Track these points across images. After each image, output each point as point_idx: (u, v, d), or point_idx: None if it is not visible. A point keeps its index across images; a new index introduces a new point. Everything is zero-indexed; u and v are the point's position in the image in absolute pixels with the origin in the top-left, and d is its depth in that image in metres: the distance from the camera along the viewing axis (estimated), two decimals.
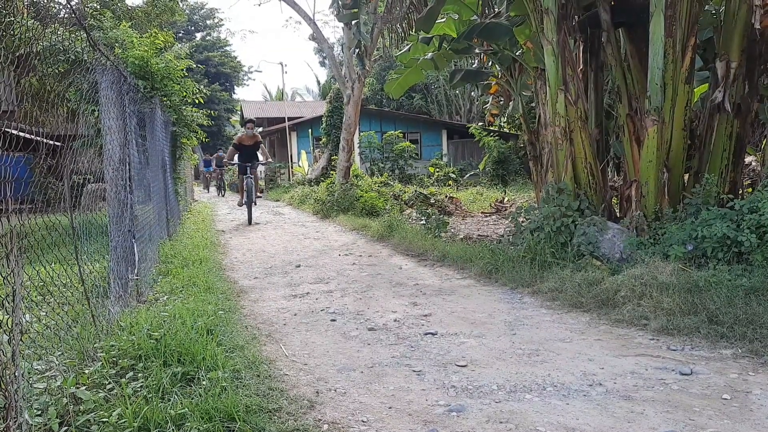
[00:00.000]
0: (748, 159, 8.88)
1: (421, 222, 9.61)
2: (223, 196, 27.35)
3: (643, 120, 6.07)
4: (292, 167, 26.00)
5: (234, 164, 13.22)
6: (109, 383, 2.93)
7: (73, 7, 4.10)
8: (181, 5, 17.76)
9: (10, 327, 2.14)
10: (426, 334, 4.22)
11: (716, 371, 3.32)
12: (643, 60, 6.33)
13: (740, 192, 6.52)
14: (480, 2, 8.96)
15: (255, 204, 12.53)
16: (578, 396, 3.03)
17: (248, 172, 12.06)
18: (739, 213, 5.07)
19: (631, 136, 6.26)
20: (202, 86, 11.53)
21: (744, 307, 4.02)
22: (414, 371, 3.46)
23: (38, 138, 3.42)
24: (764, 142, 7.67)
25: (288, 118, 27.88)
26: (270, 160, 13.90)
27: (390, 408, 2.94)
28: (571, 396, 3.03)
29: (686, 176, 6.42)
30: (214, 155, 29.95)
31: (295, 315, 4.87)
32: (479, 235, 9.16)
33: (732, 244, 4.93)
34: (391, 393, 3.14)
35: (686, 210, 5.67)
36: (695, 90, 7.06)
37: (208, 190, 30.40)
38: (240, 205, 12.78)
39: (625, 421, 2.72)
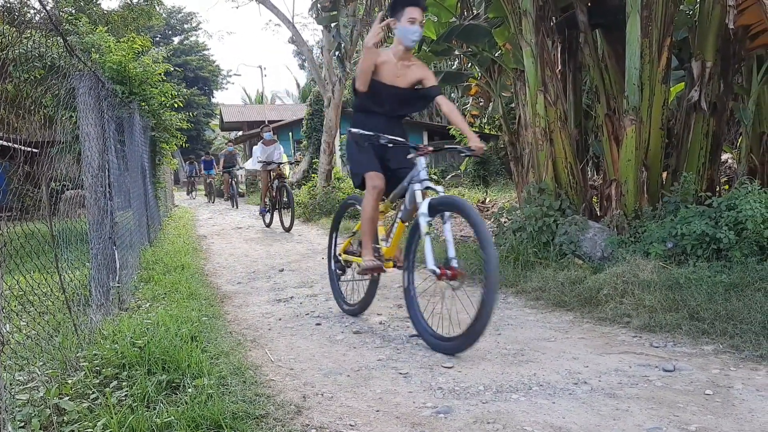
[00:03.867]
0: (724, 157, 9.05)
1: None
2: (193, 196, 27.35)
3: (621, 120, 6.14)
4: None
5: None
6: (93, 393, 2.88)
7: (49, 12, 4.05)
8: (158, 9, 17.59)
9: None
10: (412, 336, 4.22)
11: (699, 367, 3.37)
12: (620, 60, 6.40)
13: (717, 189, 6.62)
14: (458, 4, 9.00)
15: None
16: (564, 395, 3.05)
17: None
18: (717, 210, 5.14)
19: (610, 135, 6.33)
20: (182, 88, 11.38)
21: (724, 303, 4.08)
22: (401, 374, 3.46)
23: (15, 145, 3.37)
24: (740, 140, 7.81)
25: (268, 121, 27.77)
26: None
27: (377, 411, 2.93)
28: (557, 395, 3.05)
29: (664, 175, 6.50)
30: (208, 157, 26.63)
31: (280, 320, 4.84)
32: (462, 236, 9.19)
33: (711, 241, 5.00)
34: (378, 396, 3.13)
35: (665, 208, 5.74)
36: (672, 89, 7.16)
37: (212, 199, 24.28)
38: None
39: (610, 419, 2.74)
